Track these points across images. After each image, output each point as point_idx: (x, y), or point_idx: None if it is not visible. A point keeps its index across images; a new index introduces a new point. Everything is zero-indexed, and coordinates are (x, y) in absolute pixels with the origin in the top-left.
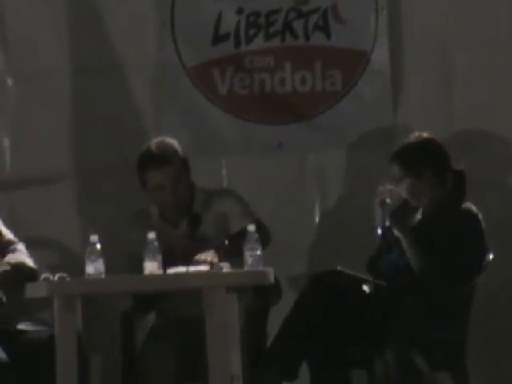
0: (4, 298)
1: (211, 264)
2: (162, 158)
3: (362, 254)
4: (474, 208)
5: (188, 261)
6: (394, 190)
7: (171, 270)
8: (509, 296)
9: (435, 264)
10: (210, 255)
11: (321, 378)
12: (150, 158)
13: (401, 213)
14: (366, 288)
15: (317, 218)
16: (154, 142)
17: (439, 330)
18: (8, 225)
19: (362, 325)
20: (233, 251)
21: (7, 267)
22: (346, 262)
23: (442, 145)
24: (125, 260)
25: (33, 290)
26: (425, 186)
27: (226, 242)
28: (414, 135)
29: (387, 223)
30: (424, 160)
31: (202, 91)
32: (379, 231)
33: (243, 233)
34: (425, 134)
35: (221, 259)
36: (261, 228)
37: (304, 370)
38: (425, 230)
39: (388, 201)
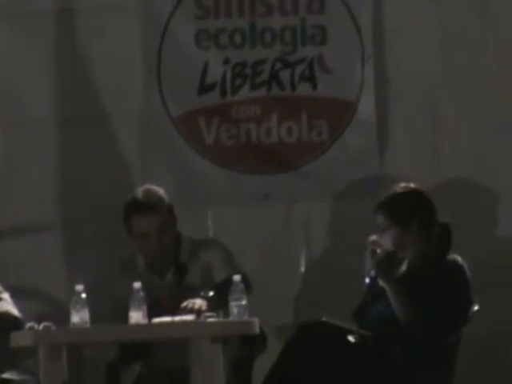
0: None
1: (198, 313)
2: (147, 205)
3: (347, 303)
4: (459, 259)
5: (174, 311)
6: (377, 244)
7: (156, 320)
8: (494, 346)
9: (420, 314)
10: (197, 302)
11: None
12: (135, 204)
13: (386, 263)
14: (351, 338)
15: (302, 268)
16: (140, 190)
17: (425, 379)
18: None
19: (348, 375)
20: (218, 301)
21: None
22: (331, 312)
23: (429, 196)
24: (110, 310)
25: (18, 339)
26: (410, 237)
27: (211, 293)
28: (401, 186)
29: (373, 273)
30: (410, 211)
31: (187, 141)
32: (367, 281)
33: (227, 283)
34: (411, 185)
35: (207, 309)
36: (243, 279)
37: None
38: (410, 280)
39: (378, 251)
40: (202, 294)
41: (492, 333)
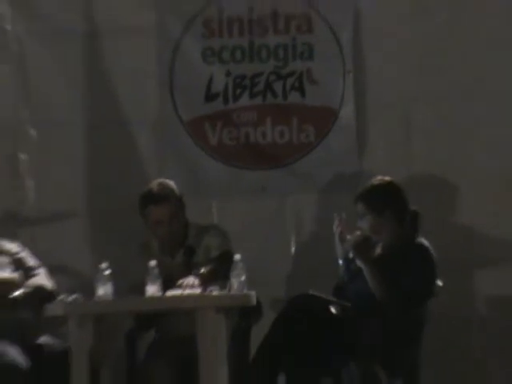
0: (28, 316)
1: (203, 287)
2: (160, 196)
3: (330, 280)
4: (426, 242)
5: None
6: (346, 220)
7: (169, 293)
8: (457, 318)
9: (393, 290)
10: (190, 280)
11: None
12: (150, 195)
13: (363, 246)
14: (333, 309)
15: (293, 250)
16: (154, 183)
17: (397, 347)
18: (31, 253)
19: (331, 340)
20: (213, 276)
21: (29, 289)
22: (317, 287)
23: (402, 187)
24: (128, 288)
25: (51, 310)
26: (385, 222)
27: (202, 270)
28: (377, 178)
29: (351, 255)
30: (385, 200)
31: (195, 142)
32: (341, 262)
33: (220, 257)
34: (386, 178)
35: (202, 283)
36: (228, 258)
37: (281, 379)
38: (384, 261)
39: (348, 237)
40: (194, 272)
41: (455, 306)
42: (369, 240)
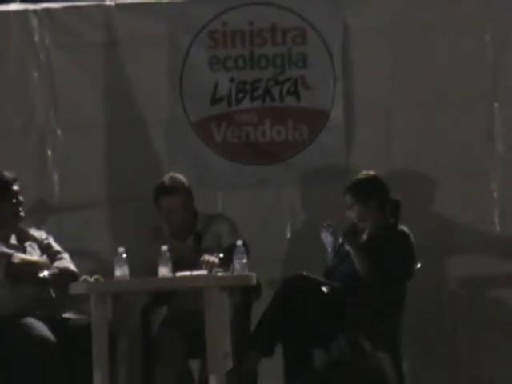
0: (54, 294)
1: (211, 266)
2: (172, 188)
3: (321, 262)
4: (406, 229)
5: (193, 268)
6: (333, 225)
7: (179, 274)
8: (431, 296)
9: (377, 271)
10: (212, 258)
11: (291, 357)
12: (163, 187)
13: (352, 232)
14: (324, 288)
15: (288, 235)
16: (166, 176)
17: (380, 321)
18: (56, 240)
19: (322, 315)
20: (225, 260)
21: (56, 271)
22: (309, 269)
23: (384, 180)
24: (143, 269)
25: (75, 289)
26: (370, 212)
27: (221, 255)
28: (363, 173)
29: (340, 240)
30: (370, 192)
31: (202, 140)
32: (330, 250)
33: (232, 247)
34: (371, 172)
35: (218, 264)
36: (243, 244)
37: (278, 350)
38: (369, 246)
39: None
40: (215, 255)
41: (431, 286)
42: (356, 227)
